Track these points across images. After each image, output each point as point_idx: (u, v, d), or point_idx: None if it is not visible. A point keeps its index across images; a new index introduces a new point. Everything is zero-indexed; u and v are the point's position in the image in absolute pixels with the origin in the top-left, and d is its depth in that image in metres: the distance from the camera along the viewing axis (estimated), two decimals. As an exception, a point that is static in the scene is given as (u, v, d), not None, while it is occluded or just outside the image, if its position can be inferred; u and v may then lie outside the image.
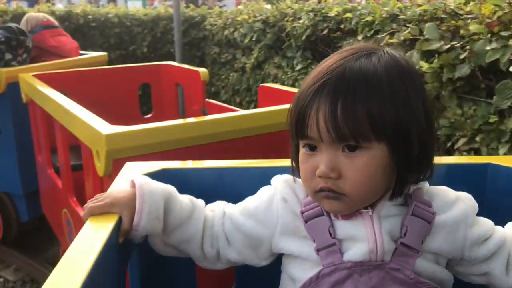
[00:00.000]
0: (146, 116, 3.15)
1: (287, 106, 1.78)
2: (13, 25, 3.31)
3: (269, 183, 0.98)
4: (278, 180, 0.96)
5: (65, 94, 2.80)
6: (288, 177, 0.96)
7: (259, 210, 0.93)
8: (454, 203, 0.90)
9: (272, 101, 2.14)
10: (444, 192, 0.91)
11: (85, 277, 0.66)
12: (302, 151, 0.85)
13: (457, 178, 1.06)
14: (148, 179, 0.93)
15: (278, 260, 0.97)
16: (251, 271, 0.99)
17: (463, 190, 0.93)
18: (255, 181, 1.06)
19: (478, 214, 0.91)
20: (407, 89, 0.81)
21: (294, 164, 0.92)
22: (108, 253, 0.78)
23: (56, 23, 3.72)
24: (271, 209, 0.92)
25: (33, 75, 2.61)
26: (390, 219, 0.86)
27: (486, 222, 0.92)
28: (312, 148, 0.83)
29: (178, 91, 3.08)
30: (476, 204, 0.91)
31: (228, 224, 0.95)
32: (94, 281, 0.69)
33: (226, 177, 1.10)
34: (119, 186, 0.97)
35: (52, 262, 3.25)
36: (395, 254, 0.84)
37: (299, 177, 0.89)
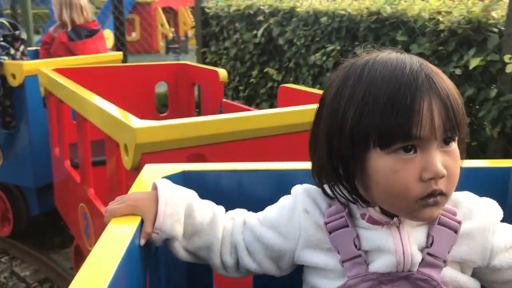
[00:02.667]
0: (161, 114, 3.16)
1: (310, 106, 1.79)
2: (3, 19, 3.34)
3: (289, 186, 0.96)
4: (299, 191, 0.93)
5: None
6: (308, 187, 0.93)
7: (281, 222, 0.91)
8: (479, 211, 0.88)
9: (292, 101, 2.16)
10: (468, 198, 0.90)
11: (110, 280, 0.66)
12: (393, 157, 0.77)
13: (478, 182, 1.05)
14: (169, 182, 0.94)
15: (297, 268, 0.95)
16: (269, 277, 0.98)
17: (484, 195, 0.91)
18: (275, 184, 1.08)
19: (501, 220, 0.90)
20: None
21: (325, 174, 0.86)
22: (131, 256, 0.78)
23: (96, 22, 3.65)
24: (293, 221, 0.90)
25: (53, 69, 2.63)
26: (417, 229, 0.85)
27: (510, 229, 0.90)
28: (409, 150, 0.77)
29: (195, 91, 3.09)
30: (501, 210, 0.90)
31: (248, 234, 0.94)
32: (118, 284, 0.70)
33: (245, 179, 1.09)
34: (140, 189, 0.98)
35: (64, 258, 3.27)
36: (421, 264, 0.83)
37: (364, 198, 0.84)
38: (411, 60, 0.80)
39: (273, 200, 0.98)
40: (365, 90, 0.78)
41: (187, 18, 13.16)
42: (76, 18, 3.48)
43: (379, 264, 0.83)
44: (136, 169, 1.49)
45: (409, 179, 0.76)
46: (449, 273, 0.85)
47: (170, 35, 12.13)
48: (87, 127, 2.07)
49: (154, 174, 1.04)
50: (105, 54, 3.53)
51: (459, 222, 0.85)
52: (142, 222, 0.86)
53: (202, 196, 0.96)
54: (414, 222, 0.84)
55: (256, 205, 0.99)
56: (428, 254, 0.83)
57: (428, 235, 0.84)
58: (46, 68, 2.68)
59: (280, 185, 1.04)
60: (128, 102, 3.01)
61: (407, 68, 0.78)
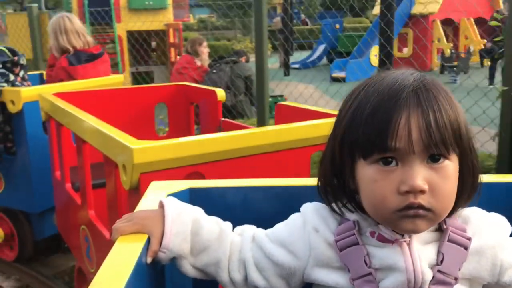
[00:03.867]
0: (161, 135, 3.19)
1: (307, 122, 1.81)
2: (1, 47, 3.39)
3: (296, 203, 0.97)
4: (308, 209, 0.94)
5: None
6: (318, 205, 0.94)
7: (291, 240, 0.92)
8: (488, 227, 0.89)
9: (289, 119, 2.18)
10: (478, 214, 0.90)
11: None
12: (374, 167, 0.81)
13: (486, 197, 1.07)
14: (175, 200, 0.95)
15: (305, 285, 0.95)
16: None
17: (491, 210, 0.92)
18: (282, 201, 1.08)
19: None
20: (457, 103, 0.84)
21: (339, 190, 0.89)
22: (138, 274, 0.78)
23: (98, 47, 3.69)
24: (303, 239, 0.91)
25: (53, 94, 2.66)
26: (427, 247, 0.85)
27: None
28: (388, 162, 0.79)
29: (194, 111, 3.12)
30: (510, 226, 0.91)
31: (257, 251, 0.93)
32: None
33: (251, 196, 1.10)
34: (146, 206, 0.98)
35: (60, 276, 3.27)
36: (432, 282, 0.83)
37: (353, 205, 0.88)
38: (407, 77, 0.83)
39: (280, 216, 0.99)
40: (357, 104, 0.83)
41: (471, 32, 11.86)
42: (75, 42, 3.52)
43: (390, 282, 0.83)
44: (135, 189, 1.50)
45: (386, 190, 0.79)
46: None
47: (448, 51, 10.94)
48: (86, 150, 2.09)
49: (160, 192, 1.04)
50: (105, 77, 3.55)
51: (469, 239, 0.85)
52: (149, 240, 0.87)
53: (209, 213, 0.97)
54: (424, 240, 0.84)
55: (263, 222, 1.00)
56: (439, 271, 0.83)
57: (438, 252, 0.84)
58: (47, 93, 2.71)
59: (287, 201, 1.04)
60: (128, 124, 3.04)
61: (397, 83, 0.81)
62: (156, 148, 1.48)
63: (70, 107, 2.24)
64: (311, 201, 0.97)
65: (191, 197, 1.07)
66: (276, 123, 2.33)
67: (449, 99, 0.82)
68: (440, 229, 0.86)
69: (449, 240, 0.84)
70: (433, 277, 0.83)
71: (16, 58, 3.27)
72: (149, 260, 0.86)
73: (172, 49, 9.97)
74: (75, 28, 3.55)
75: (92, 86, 3.26)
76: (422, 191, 0.77)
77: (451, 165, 0.80)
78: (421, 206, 0.78)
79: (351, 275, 0.85)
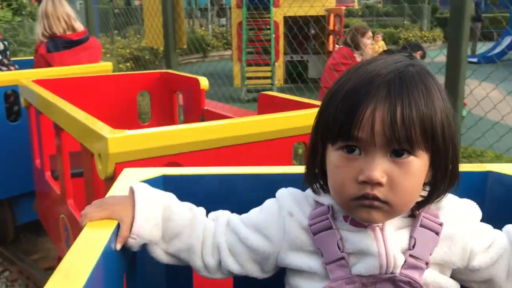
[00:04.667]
0: (144, 124, 3.15)
1: (285, 114, 1.80)
2: None
3: (271, 191, 0.97)
4: (283, 194, 0.95)
5: (63, 100, 2.82)
6: (293, 190, 0.95)
7: (265, 224, 0.92)
8: (460, 213, 0.90)
9: (272, 108, 2.16)
10: (450, 201, 0.90)
11: (83, 285, 0.65)
12: (338, 153, 0.81)
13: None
14: (147, 186, 0.93)
15: (278, 269, 0.96)
16: (249, 280, 0.98)
17: (463, 196, 0.93)
18: (257, 188, 1.07)
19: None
20: (443, 100, 0.81)
21: (315, 170, 0.88)
22: (106, 261, 0.77)
23: (82, 33, 3.53)
24: (278, 224, 0.91)
25: (33, 81, 2.62)
26: (399, 232, 0.85)
27: (488, 230, 0.92)
28: (352, 150, 0.79)
29: (177, 99, 3.09)
30: (480, 212, 0.92)
31: (231, 236, 0.93)
32: None
33: (226, 184, 1.09)
34: (118, 192, 0.97)
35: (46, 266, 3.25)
36: (403, 266, 0.83)
37: (324, 187, 0.88)
38: (389, 65, 0.81)
39: (254, 203, 0.99)
40: (335, 88, 0.83)
41: None
42: (55, 28, 3.43)
43: (362, 266, 0.83)
44: (111, 179, 1.48)
45: (346, 177, 0.79)
46: (430, 274, 0.85)
47: None
48: (64, 138, 2.06)
49: (132, 178, 1.03)
50: (87, 65, 3.44)
51: (441, 224, 0.86)
52: (118, 226, 0.85)
53: (182, 200, 0.96)
54: (397, 225, 0.85)
55: (238, 209, 0.99)
56: (411, 256, 0.83)
57: (410, 237, 0.85)
58: (27, 80, 2.66)
59: (261, 188, 1.03)
60: (110, 112, 3.01)
61: (375, 71, 0.80)
62: (131, 137, 1.46)
63: (48, 94, 2.20)
64: (287, 187, 0.97)
65: (165, 184, 1.05)
66: (258, 113, 2.31)
67: (428, 94, 0.79)
68: (413, 215, 0.87)
69: (421, 225, 0.85)
70: (405, 261, 0.83)
71: None
72: (118, 246, 0.85)
73: (331, 37, 9.21)
74: (57, 12, 3.44)
75: (71, 74, 3.16)
76: (380, 184, 0.77)
77: (416, 162, 0.78)
78: (376, 198, 0.78)
79: (324, 259, 0.86)
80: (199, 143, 1.58)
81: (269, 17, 8.98)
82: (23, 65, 3.69)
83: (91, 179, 1.70)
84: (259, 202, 0.98)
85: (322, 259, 0.86)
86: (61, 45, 3.44)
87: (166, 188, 0.98)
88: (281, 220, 0.91)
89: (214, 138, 1.60)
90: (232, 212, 0.99)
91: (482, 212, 0.93)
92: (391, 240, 0.83)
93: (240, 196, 1.09)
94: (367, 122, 0.76)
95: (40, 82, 2.63)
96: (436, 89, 0.81)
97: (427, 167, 0.81)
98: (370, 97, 0.77)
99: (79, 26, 3.57)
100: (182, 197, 0.96)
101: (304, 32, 7.29)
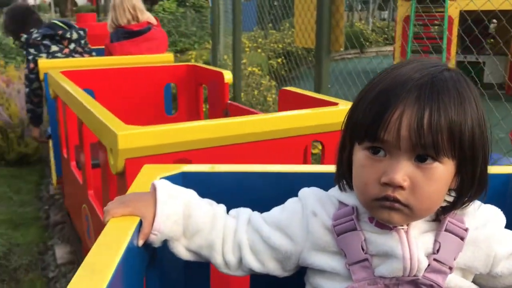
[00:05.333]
0: (170, 116, 3.18)
1: (308, 111, 1.77)
2: (57, 20, 3.55)
3: (289, 189, 0.98)
4: (307, 193, 0.94)
5: (91, 92, 2.88)
6: (316, 190, 0.95)
7: (288, 223, 0.92)
8: (484, 219, 0.89)
9: (293, 105, 2.13)
10: (475, 206, 0.89)
11: (108, 280, 0.66)
12: (363, 153, 0.81)
13: None
14: (168, 182, 0.94)
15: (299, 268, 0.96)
16: (267, 278, 0.98)
17: (486, 201, 0.91)
18: (275, 186, 1.08)
19: None
20: (477, 107, 0.80)
21: (342, 168, 0.89)
22: (129, 257, 0.78)
23: (144, 24, 3.57)
24: (301, 224, 0.91)
25: (61, 72, 2.67)
26: (424, 236, 0.85)
27: (511, 234, 0.91)
28: (377, 151, 0.79)
29: (202, 92, 3.09)
30: (504, 218, 0.91)
31: (253, 234, 0.93)
32: (116, 285, 0.70)
33: (245, 181, 1.09)
34: (139, 189, 0.98)
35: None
36: (427, 270, 0.83)
37: (350, 185, 0.89)
38: (422, 69, 0.80)
39: (274, 202, 0.99)
40: (367, 88, 0.84)
41: None
42: (120, 19, 3.52)
43: (385, 269, 0.83)
44: (121, 174, 1.49)
45: (370, 177, 0.80)
46: (454, 279, 0.85)
47: None
48: (86, 129, 2.09)
49: (153, 174, 1.04)
50: (148, 55, 3.41)
51: (466, 230, 0.86)
52: (140, 222, 0.86)
53: (202, 196, 0.96)
54: (421, 228, 0.85)
55: (256, 207, 0.99)
56: (435, 260, 0.83)
57: (435, 241, 0.84)
58: (55, 70, 2.72)
59: (281, 187, 1.04)
60: (138, 103, 3.05)
61: (408, 75, 0.80)
62: (141, 134, 1.46)
63: (72, 86, 2.24)
64: (305, 187, 0.97)
65: (184, 181, 1.06)
66: (279, 110, 2.28)
67: (460, 101, 0.77)
68: (438, 219, 0.86)
69: (446, 230, 0.85)
70: (428, 265, 0.83)
71: (60, 32, 3.39)
72: (140, 243, 0.86)
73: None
74: (123, 4, 3.54)
75: (129, 63, 3.16)
76: (401, 187, 0.77)
77: (440, 168, 0.78)
78: (397, 200, 0.78)
79: (347, 260, 0.86)
80: (209, 140, 1.57)
81: (442, 11, 7.70)
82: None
83: (105, 172, 1.73)
84: (278, 200, 0.99)
85: (345, 260, 0.86)
86: (122, 36, 3.54)
87: (185, 185, 0.98)
88: (304, 220, 0.91)
89: (223, 135, 1.58)
90: (252, 209, 0.99)
91: (506, 216, 0.92)
92: (415, 243, 0.83)
93: (259, 194, 1.08)
94: (394, 125, 0.76)
95: (67, 73, 2.69)
96: (471, 96, 0.80)
97: (452, 174, 0.80)
98: (399, 100, 0.77)
99: (145, 18, 3.60)
100: (201, 193, 0.97)
101: (481, 28, 6.08)
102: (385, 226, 0.84)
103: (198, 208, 0.92)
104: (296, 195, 0.97)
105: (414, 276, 0.83)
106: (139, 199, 0.89)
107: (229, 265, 0.94)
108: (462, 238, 0.85)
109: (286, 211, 0.94)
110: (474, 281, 0.90)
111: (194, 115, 3.08)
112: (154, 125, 1.54)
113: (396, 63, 0.87)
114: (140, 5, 3.63)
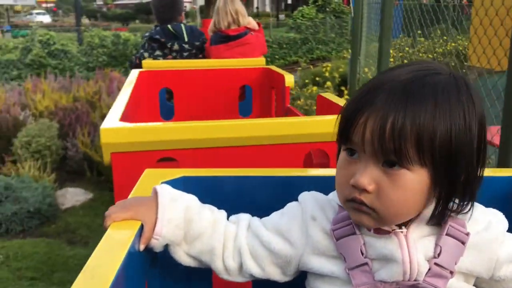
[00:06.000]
0: (244, 117, 3.25)
1: (309, 118, 1.70)
2: (171, 26, 3.71)
3: (290, 193, 0.99)
4: (306, 198, 0.95)
5: (170, 91, 3.09)
6: (316, 194, 0.95)
7: (287, 228, 0.92)
8: (486, 223, 0.88)
9: (328, 112, 2.05)
10: (476, 210, 0.88)
11: (110, 285, 0.67)
12: (342, 155, 0.84)
13: (483, 191, 0.96)
14: (169, 187, 0.95)
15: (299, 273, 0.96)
16: (269, 281, 0.98)
17: (488, 204, 0.92)
18: (277, 190, 1.08)
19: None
20: (465, 115, 0.78)
21: None
22: (130, 261, 0.78)
23: (241, 29, 3.67)
24: (300, 228, 0.91)
25: (141, 71, 2.91)
26: (424, 239, 0.84)
27: None
28: (352, 153, 0.82)
29: (274, 95, 3.11)
30: (507, 222, 0.91)
31: (253, 239, 0.94)
32: None
33: (246, 185, 1.10)
34: (140, 193, 0.99)
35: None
36: (428, 274, 0.83)
37: None
38: (414, 74, 0.79)
39: (274, 206, 1.00)
40: (357, 90, 0.86)
41: None
42: (221, 23, 3.71)
43: (385, 273, 0.83)
44: (109, 165, 1.60)
45: (343, 178, 0.83)
46: (455, 283, 0.85)
47: None
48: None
49: (154, 179, 1.06)
50: (240, 59, 3.49)
51: (467, 234, 0.85)
52: (142, 227, 0.87)
53: (203, 200, 0.98)
54: (422, 232, 0.84)
55: (257, 211, 1.01)
56: (435, 264, 0.83)
57: (436, 245, 0.84)
58: (139, 69, 2.96)
59: (282, 191, 1.05)
60: (213, 104, 3.18)
61: (390, 79, 0.80)
62: (123, 130, 1.55)
63: (130, 84, 2.43)
64: (304, 190, 0.99)
65: (185, 185, 1.07)
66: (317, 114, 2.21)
67: (435, 107, 0.76)
68: (439, 223, 0.85)
69: (447, 234, 0.84)
70: (429, 269, 0.83)
71: (163, 40, 3.63)
72: (141, 247, 0.87)
73: None
74: (225, 8, 3.72)
75: (221, 66, 3.29)
76: (367, 190, 0.78)
77: (408, 176, 0.77)
78: (364, 203, 0.79)
79: (347, 265, 0.86)
80: (194, 141, 1.59)
81: None
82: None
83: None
84: (279, 204, 1.00)
85: (344, 264, 0.86)
86: (219, 40, 3.70)
87: (186, 189, 1.00)
88: (303, 224, 0.91)
89: (208, 137, 1.60)
90: (252, 214, 1.01)
91: (508, 220, 0.91)
92: (415, 246, 0.83)
93: (261, 198, 1.09)
94: (360, 129, 0.78)
95: (149, 73, 2.93)
96: (456, 103, 0.77)
97: (426, 181, 0.78)
98: (369, 104, 0.78)
99: (245, 23, 3.72)
100: (202, 198, 0.98)
101: None
102: (384, 230, 0.83)
103: (199, 213, 0.93)
104: (297, 199, 0.97)
105: (415, 280, 0.82)
106: (140, 204, 0.91)
107: (229, 271, 0.94)
108: (463, 242, 0.84)
109: (286, 216, 0.95)
110: (476, 285, 0.89)
111: (267, 117, 3.10)
112: (142, 123, 1.62)
113: (397, 65, 0.87)
114: (242, 10, 3.75)
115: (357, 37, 6.36)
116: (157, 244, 0.89)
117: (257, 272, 0.93)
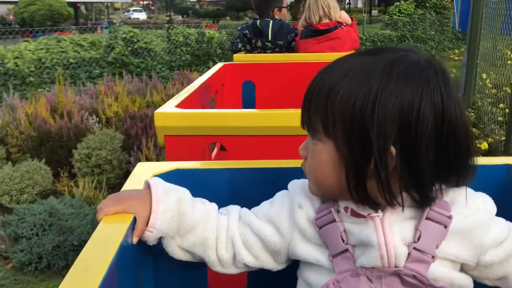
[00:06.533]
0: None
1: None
2: (258, 22, 3.77)
3: (281, 184, 1.00)
4: (295, 186, 0.97)
5: (253, 84, 3.17)
6: (304, 182, 0.95)
7: (277, 216, 0.94)
8: (473, 207, 0.86)
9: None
10: (464, 194, 0.86)
11: (102, 279, 0.67)
12: None
13: (474, 179, 0.95)
14: (161, 180, 0.96)
15: (291, 263, 0.98)
16: (263, 273, 1.00)
17: (482, 191, 0.90)
18: (267, 182, 1.10)
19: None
20: (411, 91, 0.77)
21: None
22: (123, 255, 0.78)
23: (331, 23, 3.66)
24: (288, 216, 0.93)
25: (225, 64, 3.03)
26: (403, 223, 0.83)
27: (501, 223, 0.89)
28: None
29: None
30: (495, 206, 0.88)
31: (244, 229, 0.96)
32: (111, 283, 0.71)
33: (238, 177, 1.12)
34: (132, 186, 1.00)
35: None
36: (408, 260, 0.81)
37: None
38: (365, 60, 0.83)
39: (265, 197, 1.02)
40: None
41: None
42: (312, 18, 3.74)
43: (365, 258, 0.83)
44: (163, 147, 1.71)
45: None
46: (440, 269, 0.83)
47: None
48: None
49: (146, 172, 1.08)
50: (325, 53, 3.46)
51: (450, 217, 0.83)
52: (135, 220, 0.87)
53: (195, 193, 0.99)
54: (401, 216, 0.83)
55: (249, 203, 1.03)
56: (415, 249, 0.82)
57: (416, 230, 0.83)
58: (224, 62, 3.09)
59: (272, 182, 1.06)
60: (296, 97, 3.19)
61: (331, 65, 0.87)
62: (174, 115, 1.64)
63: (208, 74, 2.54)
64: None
65: (179, 177, 1.08)
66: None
67: (364, 75, 0.79)
68: (420, 207, 0.84)
69: (427, 218, 0.82)
70: (409, 254, 0.81)
71: (249, 36, 3.71)
72: (135, 240, 0.87)
73: None
74: (317, 3, 3.74)
75: (308, 59, 3.31)
76: (302, 156, 0.89)
77: (321, 148, 0.83)
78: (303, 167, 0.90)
79: (330, 252, 0.87)
80: (241, 128, 1.64)
81: None
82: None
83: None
84: (271, 196, 1.01)
85: (328, 252, 0.88)
86: (309, 34, 3.71)
87: (179, 182, 1.01)
88: (291, 212, 0.93)
89: (255, 125, 1.63)
90: (244, 205, 1.02)
91: (502, 207, 0.90)
92: (391, 230, 0.82)
93: (254, 189, 1.10)
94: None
95: (234, 66, 3.05)
96: (405, 77, 0.77)
97: (334, 155, 0.82)
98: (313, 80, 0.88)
99: (337, 17, 3.68)
100: (195, 190, 1.00)
101: None
102: (359, 214, 0.84)
103: (192, 206, 0.94)
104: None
105: (396, 267, 0.81)
106: (132, 197, 0.91)
107: (223, 262, 0.96)
108: (445, 226, 0.82)
109: (275, 204, 0.97)
110: (468, 273, 0.87)
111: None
112: (195, 109, 1.70)
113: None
114: (334, 3, 3.71)
115: (476, 36, 5.54)
116: (151, 237, 0.89)
117: (250, 261, 0.94)
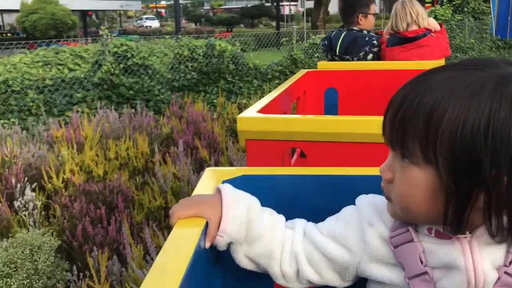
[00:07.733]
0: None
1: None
2: (332, 35, 3.72)
3: (348, 192, 0.98)
4: (363, 202, 0.93)
5: (335, 90, 3.17)
6: (373, 198, 0.93)
7: (344, 234, 0.91)
8: None
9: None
10: None
11: (181, 281, 0.68)
12: None
13: None
14: (231, 186, 0.96)
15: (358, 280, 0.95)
16: None
17: None
18: (335, 190, 1.08)
19: None
20: (490, 113, 0.70)
21: None
22: (198, 259, 0.80)
23: (419, 31, 3.54)
24: (357, 234, 0.89)
25: (308, 71, 3.06)
26: (493, 246, 0.77)
27: None
28: None
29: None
30: None
31: (309, 245, 0.93)
32: (188, 286, 0.72)
33: (306, 184, 1.11)
34: (202, 191, 1.01)
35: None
36: (497, 284, 0.76)
37: None
38: (469, 76, 0.74)
39: (332, 205, 1.01)
40: None
41: None
42: (399, 25, 3.64)
43: (448, 282, 0.78)
44: (244, 151, 1.76)
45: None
46: None
47: None
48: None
49: (215, 177, 1.10)
50: (418, 62, 3.37)
51: None
52: (207, 224, 0.88)
53: (261, 199, 0.99)
54: (489, 238, 0.76)
55: (315, 211, 1.02)
56: (506, 273, 0.76)
57: (507, 253, 0.77)
58: (309, 69, 3.11)
59: (339, 190, 1.06)
60: (379, 105, 3.14)
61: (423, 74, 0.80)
62: (255, 120, 1.69)
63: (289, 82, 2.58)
64: (365, 191, 0.96)
65: (246, 183, 1.09)
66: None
67: (452, 97, 0.71)
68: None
69: None
70: (498, 278, 0.76)
71: (324, 48, 3.74)
72: (207, 245, 0.88)
73: None
74: (405, 9, 3.63)
75: (395, 67, 3.25)
76: (387, 180, 0.81)
77: (417, 173, 0.75)
78: (383, 189, 0.84)
79: (406, 274, 0.82)
80: (321, 134, 1.65)
81: None
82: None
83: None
84: (338, 204, 1.00)
85: (404, 273, 0.83)
86: (395, 42, 3.60)
87: (246, 187, 1.02)
88: (360, 230, 0.89)
89: (336, 131, 1.63)
90: (310, 213, 1.02)
91: None
92: (480, 254, 0.77)
93: (321, 197, 1.09)
94: (385, 121, 0.82)
95: (318, 73, 3.07)
96: (478, 97, 0.70)
97: (435, 182, 0.73)
98: (392, 97, 0.82)
99: (425, 24, 3.58)
100: (262, 196, 1.00)
101: None
102: (445, 235, 0.78)
103: (260, 214, 0.94)
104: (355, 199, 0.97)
105: None
106: (204, 202, 0.91)
107: (286, 277, 0.94)
108: None
109: (342, 221, 0.93)
110: None
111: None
112: (276, 114, 1.73)
113: None
114: (422, 10, 3.60)
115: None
116: (221, 242, 0.89)
117: (314, 278, 0.93)
